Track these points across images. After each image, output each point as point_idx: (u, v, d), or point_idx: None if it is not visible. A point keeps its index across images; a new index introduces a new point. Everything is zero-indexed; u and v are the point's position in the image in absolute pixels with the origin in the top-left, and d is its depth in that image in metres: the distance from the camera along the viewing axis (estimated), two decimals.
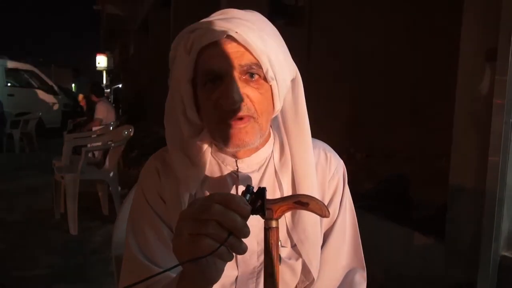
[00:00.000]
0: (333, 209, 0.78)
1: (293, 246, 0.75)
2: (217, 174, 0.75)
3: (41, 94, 10.25)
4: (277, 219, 0.58)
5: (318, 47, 4.49)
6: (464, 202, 1.69)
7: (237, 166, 0.74)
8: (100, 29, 20.94)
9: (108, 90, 21.68)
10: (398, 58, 4.54)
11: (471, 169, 1.66)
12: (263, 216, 0.57)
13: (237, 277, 0.74)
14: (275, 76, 0.67)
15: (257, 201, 0.56)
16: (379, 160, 4.49)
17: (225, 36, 0.64)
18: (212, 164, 0.75)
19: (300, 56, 4.67)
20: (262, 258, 0.73)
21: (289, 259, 0.74)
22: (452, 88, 1.77)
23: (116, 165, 3.55)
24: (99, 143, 3.99)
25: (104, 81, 26.92)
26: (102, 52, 24.44)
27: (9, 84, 9.55)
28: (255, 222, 0.72)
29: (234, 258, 0.71)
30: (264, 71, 0.66)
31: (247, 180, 0.73)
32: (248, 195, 0.55)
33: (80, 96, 8.49)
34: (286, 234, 0.74)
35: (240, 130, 0.66)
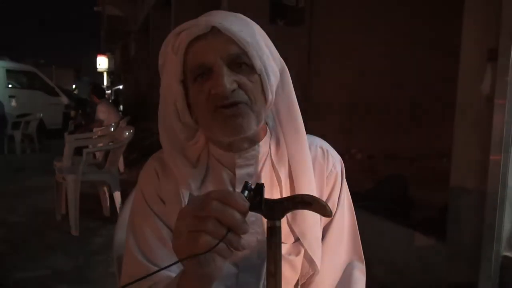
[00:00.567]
0: (331, 204, 0.79)
1: (293, 242, 0.75)
2: (215, 171, 0.76)
3: (42, 95, 10.25)
4: (279, 219, 0.58)
5: (318, 48, 4.49)
6: (465, 202, 1.69)
7: (234, 162, 0.74)
8: (100, 30, 20.98)
9: (109, 91, 21.71)
10: (399, 58, 4.54)
11: (472, 170, 1.66)
12: (261, 212, 0.57)
13: (237, 274, 0.74)
14: (263, 66, 0.68)
15: (256, 197, 0.56)
16: (379, 161, 4.49)
17: (210, 28, 0.66)
18: (210, 162, 0.76)
19: (300, 57, 4.69)
20: (262, 255, 0.73)
21: (289, 255, 0.74)
22: (453, 88, 1.77)
23: (117, 166, 3.56)
24: (100, 144, 4.00)
25: (105, 82, 26.95)
26: (102, 53, 24.48)
27: (10, 86, 9.55)
28: (254, 219, 0.72)
29: (234, 256, 0.71)
30: (253, 61, 0.67)
31: (245, 176, 0.74)
32: (247, 192, 0.55)
33: (73, 113, 8.52)
34: (286, 230, 0.74)
35: (236, 115, 0.66)
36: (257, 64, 0.67)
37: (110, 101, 10.20)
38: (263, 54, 0.69)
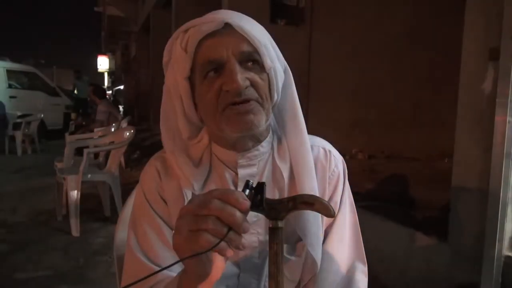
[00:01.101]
0: (333, 205, 0.78)
1: (295, 242, 0.75)
2: (218, 171, 0.76)
3: (43, 95, 10.25)
4: (281, 219, 0.58)
5: (319, 48, 4.48)
6: (467, 202, 1.69)
7: (237, 161, 0.74)
8: (101, 30, 20.99)
9: (110, 92, 21.74)
10: (399, 58, 4.54)
11: (474, 169, 1.66)
12: (262, 211, 0.57)
13: (239, 274, 0.74)
14: (272, 65, 0.69)
15: (257, 196, 0.56)
16: (381, 161, 4.48)
17: (222, 25, 0.66)
18: (212, 161, 0.76)
19: (301, 57, 4.68)
20: (263, 255, 0.73)
21: (291, 255, 0.74)
22: (455, 88, 1.77)
23: (118, 167, 3.55)
24: (101, 144, 3.99)
25: (106, 83, 26.97)
26: (103, 53, 24.48)
27: (11, 86, 9.55)
28: (256, 220, 0.72)
29: (235, 256, 0.71)
30: (263, 59, 0.68)
31: (247, 176, 0.73)
32: (248, 190, 0.55)
33: (73, 115, 8.54)
34: (287, 231, 0.74)
35: (247, 111, 0.66)
36: (268, 63, 0.68)
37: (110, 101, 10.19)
38: (272, 53, 0.70)
